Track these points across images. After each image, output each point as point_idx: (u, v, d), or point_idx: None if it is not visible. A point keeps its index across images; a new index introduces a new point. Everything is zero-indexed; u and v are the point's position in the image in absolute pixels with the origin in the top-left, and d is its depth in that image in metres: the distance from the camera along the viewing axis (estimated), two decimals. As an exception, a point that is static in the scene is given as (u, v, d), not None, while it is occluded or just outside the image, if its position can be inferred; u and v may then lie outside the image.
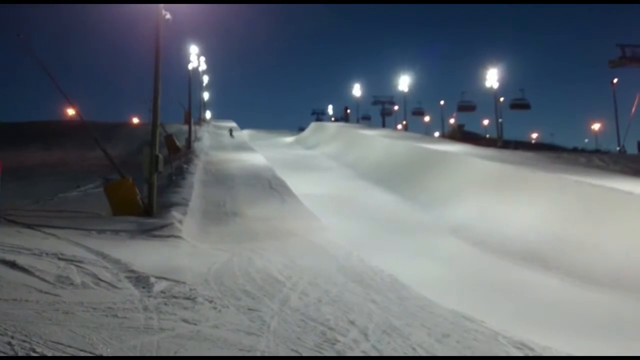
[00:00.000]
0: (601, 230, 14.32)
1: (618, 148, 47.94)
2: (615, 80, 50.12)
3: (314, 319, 8.00)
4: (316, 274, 11.14)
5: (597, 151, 48.60)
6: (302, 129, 65.65)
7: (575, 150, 52.65)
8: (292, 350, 6.54)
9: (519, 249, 15.17)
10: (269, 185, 23.63)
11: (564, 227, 15.26)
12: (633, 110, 40.52)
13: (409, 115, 69.13)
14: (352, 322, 8.00)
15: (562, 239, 14.80)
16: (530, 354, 7.33)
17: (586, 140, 74.34)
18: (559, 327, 10.02)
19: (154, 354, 5.87)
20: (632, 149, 44.72)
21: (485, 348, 7.44)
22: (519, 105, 55.36)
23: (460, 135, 60.48)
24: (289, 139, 57.63)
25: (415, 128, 71.26)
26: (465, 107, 63.18)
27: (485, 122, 75.21)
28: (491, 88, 48.48)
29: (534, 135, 78.75)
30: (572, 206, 15.97)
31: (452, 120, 77.62)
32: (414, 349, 7.08)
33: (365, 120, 75.99)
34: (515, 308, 11.14)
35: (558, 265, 13.75)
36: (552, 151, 39.93)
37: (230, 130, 34.89)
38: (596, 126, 68.50)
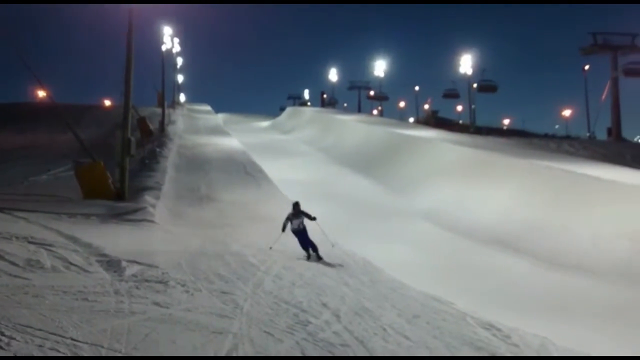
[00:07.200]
0: (569, 215, 14.63)
1: (588, 134, 48.81)
2: (586, 67, 50.95)
3: (287, 302, 8.08)
4: (291, 258, 11.22)
5: (567, 137, 49.34)
6: (282, 109, 65.71)
7: (546, 136, 53.36)
8: (265, 332, 6.59)
9: (490, 232, 15.42)
10: (244, 170, 23.57)
11: (533, 211, 15.55)
12: (603, 96, 41.26)
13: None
14: (324, 305, 8.09)
15: (531, 222, 15.09)
16: (498, 334, 7.51)
17: (557, 127, 75.22)
18: (526, 309, 10.26)
19: (125, 337, 5.86)
20: (602, 135, 45.61)
21: (453, 328, 7.60)
22: (485, 87, 53.15)
23: (434, 121, 60.78)
24: (265, 123, 57.34)
25: (390, 113, 71.34)
26: (450, 95, 62.73)
27: (459, 108, 75.67)
28: (465, 74, 48.84)
29: (506, 122, 79.47)
30: (542, 191, 16.27)
31: (426, 106, 78.12)
32: (384, 329, 7.21)
33: (329, 106, 74.41)
34: (484, 290, 11.36)
35: (527, 248, 14.03)
36: (524, 137, 40.52)
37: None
38: (567, 112, 69.48)
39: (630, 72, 40.15)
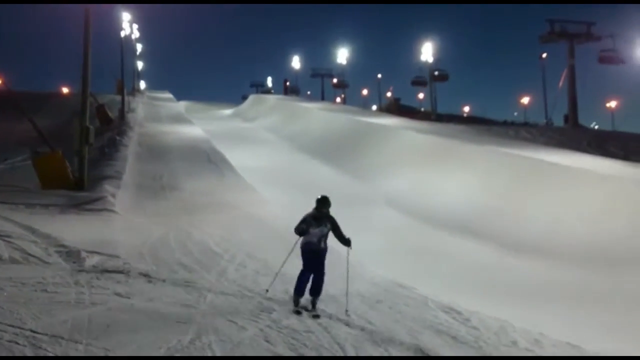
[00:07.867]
0: (528, 200, 15.02)
1: (545, 121, 49.90)
2: (544, 55, 51.95)
3: (251, 290, 8.09)
4: (254, 246, 11.20)
5: (525, 124, 50.39)
6: (245, 97, 65.05)
7: (505, 123, 54.39)
8: (229, 320, 6.60)
9: (451, 218, 15.69)
10: (207, 159, 23.35)
11: (493, 197, 15.91)
12: (560, 84, 42.12)
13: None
14: (288, 292, 8.12)
15: (491, 208, 15.42)
16: (458, 317, 7.68)
17: (515, 114, 76.74)
18: (487, 292, 10.48)
19: (86, 328, 5.80)
20: (559, 122, 46.64)
21: (415, 312, 7.75)
22: (438, 76, 54.44)
23: (397, 108, 61.21)
24: (228, 111, 56.81)
25: (353, 101, 71.42)
26: (419, 82, 63.06)
27: (421, 95, 76.41)
28: (426, 62, 49.38)
29: (466, 109, 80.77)
30: (501, 176, 16.65)
31: (389, 94, 78.60)
32: (348, 315, 7.29)
33: (292, 94, 73.83)
34: (446, 274, 11.58)
35: (487, 233, 14.33)
36: (483, 124, 41.25)
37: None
38: (525, 100, 70.89)
39: (605, 60, 40.86)
